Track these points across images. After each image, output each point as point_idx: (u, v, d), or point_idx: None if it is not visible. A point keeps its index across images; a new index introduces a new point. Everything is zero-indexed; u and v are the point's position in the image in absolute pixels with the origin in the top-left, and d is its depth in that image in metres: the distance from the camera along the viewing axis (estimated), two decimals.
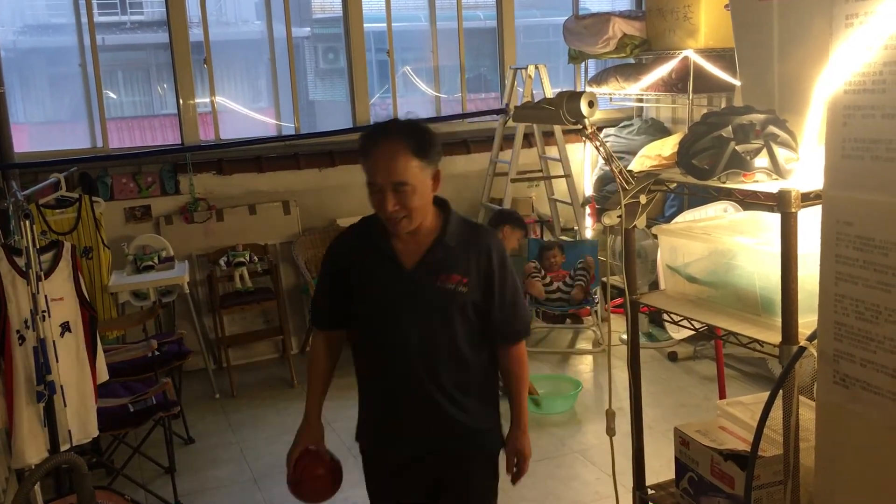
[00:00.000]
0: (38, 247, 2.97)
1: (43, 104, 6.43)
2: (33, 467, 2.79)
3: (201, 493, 3.72)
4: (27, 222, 2.89)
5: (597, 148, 2.34)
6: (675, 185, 2.36)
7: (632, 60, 5.67)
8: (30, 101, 6.39)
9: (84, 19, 5.14)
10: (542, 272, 5.23)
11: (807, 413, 2.08)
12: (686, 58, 4.93)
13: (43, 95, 6.47)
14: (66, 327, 3.08)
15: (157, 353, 4.00)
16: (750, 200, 2.14)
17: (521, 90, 5.50)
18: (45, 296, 2.94)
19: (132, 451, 3.73)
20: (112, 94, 6.43)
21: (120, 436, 3.75)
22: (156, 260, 4.75)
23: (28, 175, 4.81)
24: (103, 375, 3.28)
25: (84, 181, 4.98)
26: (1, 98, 4.69)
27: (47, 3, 7.74)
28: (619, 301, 5.24)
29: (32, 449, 2.96)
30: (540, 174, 5.78)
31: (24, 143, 5.36)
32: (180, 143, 5.36)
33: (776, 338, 2.05)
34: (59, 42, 6.44)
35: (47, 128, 6.26)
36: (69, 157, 5.00)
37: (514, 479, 2.36)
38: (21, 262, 2.92)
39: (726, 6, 4.08)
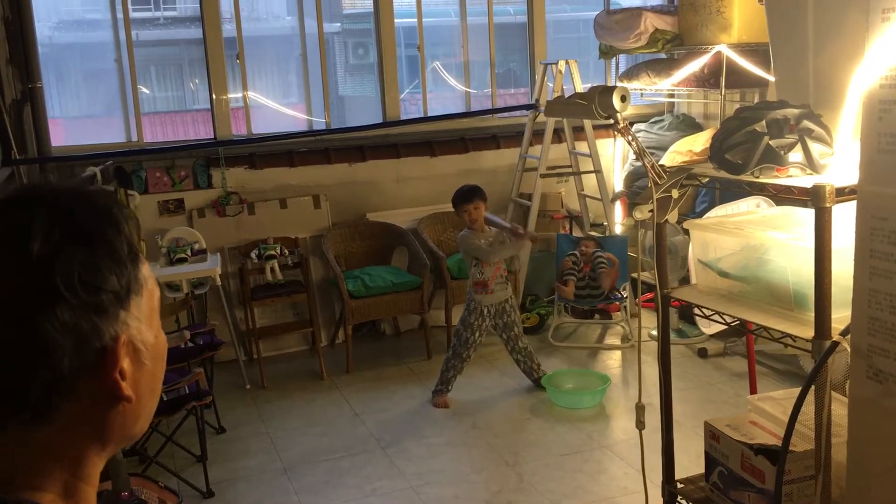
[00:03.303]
0: None
1: (78, 99, 6.54)
2: None
3: (232, 481, 3.77)
4: None
5: (629, 142, 2.34)
6: (707, 179, 2.36)
7: (663, 55, 5.64)
8: (66, 95, 6.50)
9: (119, 15, 5.21)
10: (580, 265, 5.20)
11: (838, 408, 2.07)
12: (718, 53, 4.90)
13: (79, 90, 6.58)
14: None
15: (189, 343, 4.05)
16: (783, 195, 2.14)
17: (551, 86, 5.49)
18: None
19: (165, 439, 3.79)
20: (146, 90, 6.51)
21: (153, 424, 3.81)
22: (189, 252, 4.81)
23: (65, 169, 4.90)
24: None
25: (119, 175, 5.05)
26: (38, 93, 4.78)
27: None
28: (648, 296, 5.22)
29: None
30: (570, 170, 5.77)
31: (61, 137, 5.45)
32: (213, 137, 5.42)
33: (809, 332, 2.04)
34: (94, 38, 6.54)
35: (83, 122, 6.37)
36: (104, 150, 5.08)
37: None
38: None
39: (760, 1, 4.05)
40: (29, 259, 0.72)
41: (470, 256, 4.44)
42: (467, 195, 4.44)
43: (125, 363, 0.77)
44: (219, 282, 4.73)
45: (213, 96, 5.36)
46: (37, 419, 0.74)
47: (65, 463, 0.77)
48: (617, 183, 6.06)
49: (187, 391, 3.68)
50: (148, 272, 0.82)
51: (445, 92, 6.70)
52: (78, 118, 6.48)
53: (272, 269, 5.01)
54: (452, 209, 4.61)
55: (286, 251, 5.11)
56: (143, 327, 0.80)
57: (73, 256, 0.73)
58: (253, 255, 5.05)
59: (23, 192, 0.78)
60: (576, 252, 5.26)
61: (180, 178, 5.20)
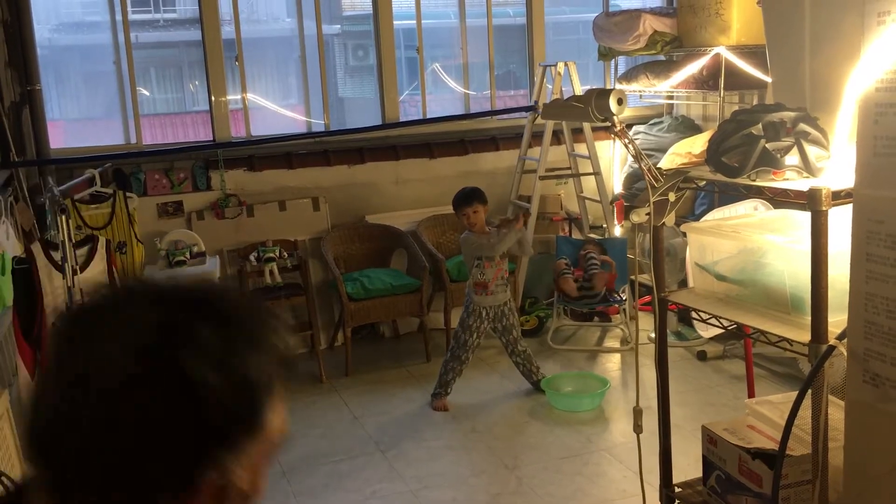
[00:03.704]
0: (73, 241, 3.03)
1: (78, 101, 6.54)
2: None
3: None
4: (63, 217, 2.95)
5: (626, 145, 2.34)
6: (704, 182, 2.35)
7: (662, 57, 5.63)
8: (65, 97, 6.50)
9: (118, 17, 5.21)
10: (572, 269, 5.21)
11: (835, 412, 2.07)
12: (717, 55, 4.90)
13: (78, 92, 6.58)
14: None
15: None
16: (780, 198, 2.14)
17: (550, 87, 5.49)
18: (81, 289, 3.00)
19: None
20: (145, 92, 6.51)
21: None
22: (188, 255, 4.81)
23: (63, 171, 4.89)
24: None
25: (118, 177, 5.05)
26: (37, 95, 4.77)
27: (82, 1, 7.86)
28: (647, 299, 5.21)
29: None
30: (569, 171, 5.77)
31: (60, 139, 5.45)
32: (212, 139, 5.42)
33: (805, 336, 2.04)
34: (93, 40, 6.54)
35: (82, 124, 6.37)
36: (103, 153, 5.07)
37: None
38: (57, 256, 2.98)
39: (758, 2, 4.05)
40: (150, 359, 0.66)
41: (472, 257, 4.43)
42: (466, 198, 4.44)
43: (206, 499, 0.69)
44: None
45: (212, 98, 5.36)
46: None
47: None
48: (616, 185, 6.05)
49: None
50: (277, 417, 0.74)
51: (445, 94, 6.70)
52: (77, 120, 6.48)
53: (271, 272, 5.01)
54: (452, 211, 4.62)
55: (285, 253, 5.10)
56: (245, 474, 0.71)
57: (205, 384, 0.66)
58: (252, 257, 5.04)
59: (190, 290, 0.73)
60: (565, 256, 5.26)
61: (179, 181, 5.20)
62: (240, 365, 0.68)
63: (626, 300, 5.27)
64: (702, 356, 4.92)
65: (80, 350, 0.68)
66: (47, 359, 0.71)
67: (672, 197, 2.36)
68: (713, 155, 2.25)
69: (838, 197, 1.94)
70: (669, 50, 5.35)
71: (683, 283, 4.56)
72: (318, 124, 5.78)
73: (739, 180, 2.19)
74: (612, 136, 2.26)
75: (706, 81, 5.06)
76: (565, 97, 5.10)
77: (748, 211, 2.99)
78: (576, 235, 5.79)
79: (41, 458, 0.68)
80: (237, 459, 0.69)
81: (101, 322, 0.69)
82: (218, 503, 0.69)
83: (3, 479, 2.51)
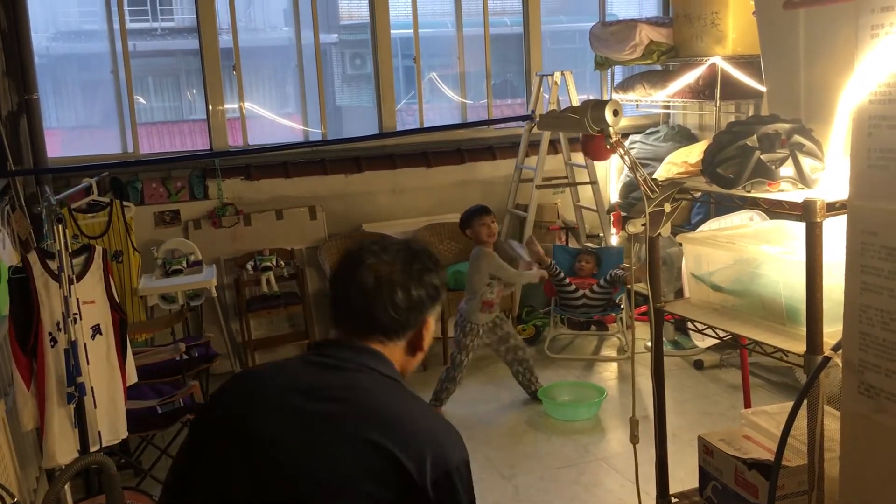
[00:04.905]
0: (70, 250, 3.02)
1: (75, 110, 6.52)
2: (64, 467, 2.84)
3: None
4: (60, 226, 2.94)
5: (622, 157, 2.34)
6: (699, 193, 2.36)
7: (659, 67, 5.65)
8: (62, 106, 6.48)
9: (116, 26, 5.22)
10: (566, 279, 5.21)
11: (832, 423, 2.07)
12: (713, 64, 4.91)
13: (75, 101, 6.56)
14: (96, 330, 3.14)
15: (185, 356, 4.05)
16: (775, 210, 2.14)
17: (546, 96, 5.51)
18: (77, 299, 3.00)
19: (160, 452, 3.78)
20: (142, 100, 6.51)
21: (148, 437, 3.80)
22: (184, 264, 4.80)
23: (60, 180, 4.89)
24: (132, 378, 3.33)
25: (115, 186, 5.05)
26: (34, 104, 4.77)
27: (80, 10, 7.86)
28: (642, 308, 5.21)
29: (63, 449, 3.01)
30: (565, 181, 5.78)
31: (57, 148, 5.44)
32: (209, 148, 5.42)
33: (801, 347, 2.04)
34: (91, 48, 6.53)
35: (79, 133, 6.35)
36: (100, 161, 5.08)
37: None
38: (54, 265, 2.98)
39: (754, 13, 4.07)
40: (432, 277, 1.57)
41: (487, 275, 4.33)
42: (484, 209, 4.43)
43: (423, 333, 1.56)
44: (214, 293, 4.73)
45: (210, 107, 5.37)
46: (395, 339, 1.52)
47: (399, 361, 1.55)
48: (613, 194, 6.06)
49: (182, 404, 3.68)
50: (438, 312, 1.60)
51: (442, 103, 6.71)
52: (75, 129, 6.47)
53: (268, 281, 5.01)
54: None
55: (282, 262, 5.11)
56: (433, 324, 1.58)
57: (437, 285, 1.57)
58: (249, 266, 5.05)
59: (420, 249, 1.61)
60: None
61: (176, 190, 5.20)
62: (440, 281, 1.58)
63: (622, 309, 5.27)
64: (698, 365, 4.92)
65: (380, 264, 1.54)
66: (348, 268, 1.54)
67: (668, 207, 2.37)
68: (709, 166, 2.25)
69: (833, 208, 1.95)
70: (666, 60, 5.37)
71: (679, 293, 4.56)
72: (315, 133, 5.79)
73: (735, 191, 2.20)
74: (608, 147, 2.26)
75: (702, 91, 5.07)
76: (562, 106, 5.11)
77: (744, 221, 2.99)
78: (572, 245, 5.79)
79: (358, 319, 1.52)
80: (433, 318, 1.57)
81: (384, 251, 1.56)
82: (425, 334, 1.57)
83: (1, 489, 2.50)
